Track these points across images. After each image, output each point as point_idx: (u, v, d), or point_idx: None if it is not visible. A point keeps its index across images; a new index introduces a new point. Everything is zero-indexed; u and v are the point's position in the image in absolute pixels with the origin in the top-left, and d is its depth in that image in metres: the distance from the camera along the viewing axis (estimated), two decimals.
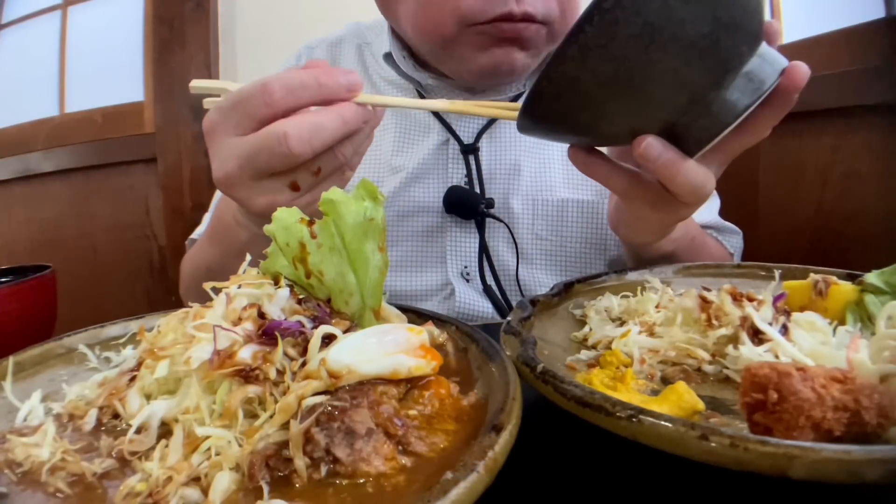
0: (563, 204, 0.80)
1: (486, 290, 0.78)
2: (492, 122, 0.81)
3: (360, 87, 0.48)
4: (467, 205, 0.77)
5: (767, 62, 0.43)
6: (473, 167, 0.79)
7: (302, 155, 0.45)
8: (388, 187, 0.79)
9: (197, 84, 0.51)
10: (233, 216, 0.60)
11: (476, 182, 0.79)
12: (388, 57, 0.81)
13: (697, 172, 0.47)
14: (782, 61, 0.44)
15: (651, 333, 0.46)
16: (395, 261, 0.79)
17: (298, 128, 0.44)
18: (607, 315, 0.52)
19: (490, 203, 0.78)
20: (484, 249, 0.78)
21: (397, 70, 0.81)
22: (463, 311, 0.77)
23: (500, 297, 0.77)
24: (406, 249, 0.80)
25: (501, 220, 0.77)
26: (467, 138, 0.80)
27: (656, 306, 0.50)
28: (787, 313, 0.43)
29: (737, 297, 0.45)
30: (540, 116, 0.46)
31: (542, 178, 0.81)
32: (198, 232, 0.89)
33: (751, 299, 0.44)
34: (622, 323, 0.49)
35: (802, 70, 0.44)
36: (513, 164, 0.80)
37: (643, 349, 0.43)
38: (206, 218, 0.89)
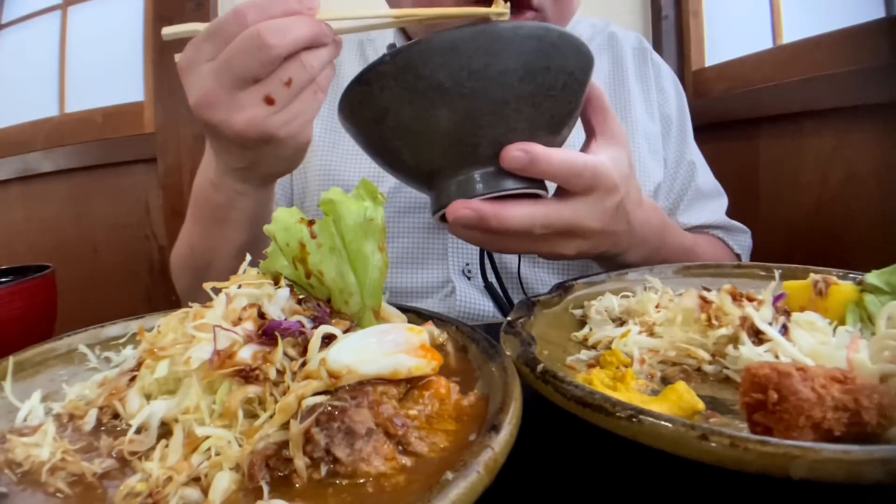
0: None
1: (488, 287, 0.77)
2: None
3: (318, 6, 0.50)
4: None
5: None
6: None
7: (275, 47, 0.46)
8: (391, 182, 0.79)
9: (168, 30, 0.52)
10: (209, 180, 0.61)
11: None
12: (390, 48, 0.81)
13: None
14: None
15: (651, 333, 0.46)
16: (396, 257, 0.79)
17: (269, 25, 0.46)
18: (607, 315, 0.52)
19: None
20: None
21: None
22: (463, 308, 0.77)
23: (501, 294, 0.77)
24: (407, 246, 0.80)
25: None
26: None
27: (656, 306, 0.50)
28: (788, 313, 0.43)
29: (737, 297, 0.45)
30: (348, 112, 0.53)
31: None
32: None
33: (751, 299, 0.44)
34: (622, 323, 0.49)
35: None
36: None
37: (643, 349, 0.43)
38: None
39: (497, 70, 0.45)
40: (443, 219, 0.51)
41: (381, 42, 0.88)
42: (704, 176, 0.92)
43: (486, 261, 0.78)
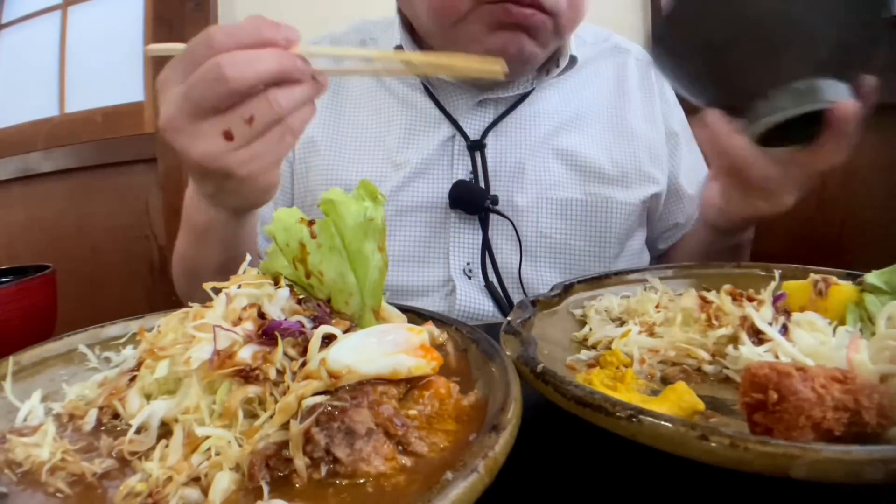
0: (567, 203, 0.80)
1: (489, 286, 0.78)
2: (499, 118, 0.81)
3: (297, 39, 0.49)
4: (472, 200, 0.77)
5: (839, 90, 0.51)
6: (479, 163, 0.79)
7: (233, 80, 0.44)
8: (393, 182, 0.79)
9: (153, 48, 0.52)
10: (191, 197, 0.61)
11: (481, 178, 0.79)
12: (397, 49, 0.81)
13: (751, 152, 0.58)
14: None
15: (651, 333, 0.46)
16: (397, 256, 0.79)
17: (232, 57, 0.45)
18: (607, 315, 0.52)
19: (495, 200, 0.78)
20: (487, 246, 0.78)
21: None
22: (464, 308, 0.77)
23: (501, 294, 0.77)
24: (408, 244, 0.80)
25: (506, 217, 0.77)
26: (474, 134, 0.80)
27: (656, 306, 0.50)
28: (788, 313, 0.43)
29: (736, 297, 0.45)
30: (668, 45, 0.53)
31: (546, 176, 0.81)
32: None
33: (751, 299, 0.45)
34: (622, 323, 0.49)
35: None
36: (518, 162, 0.80)
37: (643, 349, 0.43)
38: None
39: None
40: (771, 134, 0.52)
41: (386, 42, 0.87)
42: None
43: (487, 260, 0.78)
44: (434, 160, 0.80)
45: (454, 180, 0.79)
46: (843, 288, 0.46)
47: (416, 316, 0.45)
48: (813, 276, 0.48)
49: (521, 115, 0.83)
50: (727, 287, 0.47)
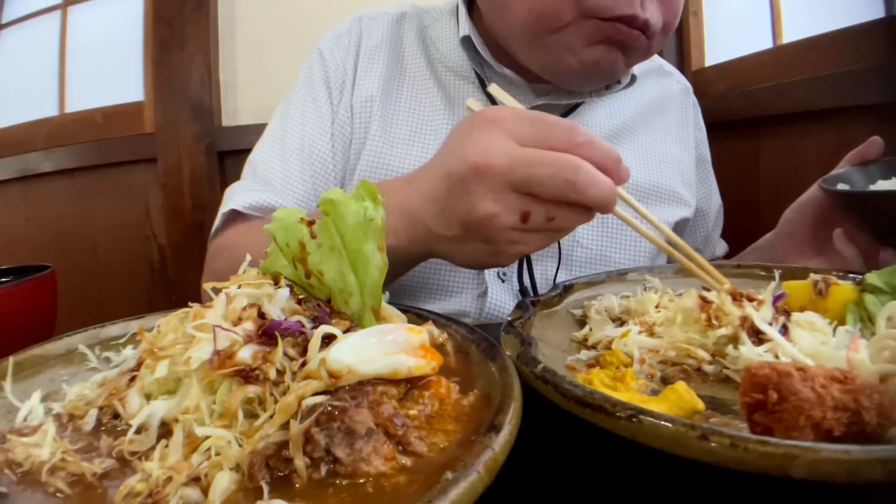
0: (602, 216, 0.80)
1: (522, 291, 0.77)
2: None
3: (629, 177, 0.50)
4: None
5: None
6: None
7: (578, 192, 0.45)
8: None
9: (475, 104, 0.53)
10: (395, 215, 0.54)
11: None
12: (465, 41, 0.80)
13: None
14: None
15: (651, 333, 0.46)
16: None
17: (591, 172, 0.45)
18: (607, 315, 0.52)
19: None
20: None
21: (470, 55, 0.80)
22: (494, 311, 0.77)
23: None
24: None
25: None
26: None
27: (656, 306, 0.50)
28: (787, 313, 0.43)
29: (737, 297, 0.45)
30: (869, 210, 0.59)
31: None
32: (240, 204, 0.81)
33: (751, 299, 0.44)
34: (622, 323, 0.49)
35: None
36: None
37: (643, 349, 0.43)
38: (245, 187, 0.84)
39: None
40: None
41: (436, 32, 0.86)
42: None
43: (525, 265, 0.77)
44: None
45: None
46: (843, 288, 0.46)
47: (416, 316, 0.45)
48: (813, 276, 0.48)
49: (580, 117, 0.84)
50: (728, 286, 0.47)
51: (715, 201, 0.98)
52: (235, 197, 0.82)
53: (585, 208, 0.47)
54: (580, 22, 0.68)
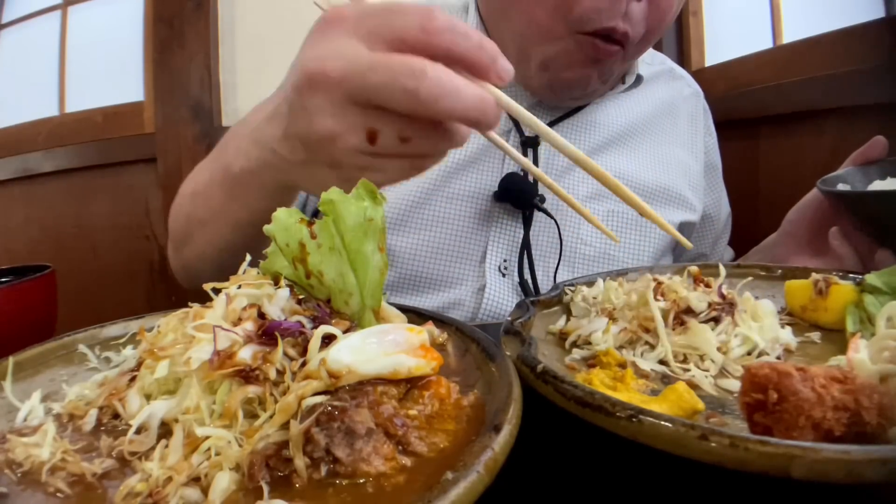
0: (610, 213, 0.81)
1: (522, 285, 0.77)
2: (558, 119, 0.82)
3: (509, 77, 0.40)
4: (522, 194, 0.76)
5: None
6: (531, 160, 0.78)
7: (423, 104, 0.37)
8: (440, 169, 0.78)
9: None
10: (247, 136, 0.51)
11: (531, 176, 0.77)
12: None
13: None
14: None
15: (612, 318, 0.47)
16: (435, 244, 0.79)
17: (439, 77, 0.37)
18: (587, 304, 0.52)
19: (542, 198, 0.77)
20: (527, 244, 0.77)
21: None
22: (492, 306, 0.77)
23: (533, 293, 0.77)
24: (449, 234, 0.79)
25: (552, 217, 0.76)
26: (529, 131, 0.79)
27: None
28: (733, 304, 0.45)
29: (698, 281, 0.48)
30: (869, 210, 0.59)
31: (593, 183, 0.79)
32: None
33: (708, 285, 0.46)
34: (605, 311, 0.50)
35: None
36: (569, 164, 0.80)
37: (615, 336, 0.45)
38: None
39: None
40: None
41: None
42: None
43: (525, 259, 0.78)
44: (486, 151, 0.79)
45: (504, 174, 0.78)
46: (843, 288, 0.46)
47: (416, 316, 0.45)
48: (814, 275, 0.48)
49: (577, 121, 0.84)
50: (693, 268, 0.49)
51: (724, 209, 0.98)
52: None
53: (455, 128, 0.40)
54: (567, 39, 0.69)
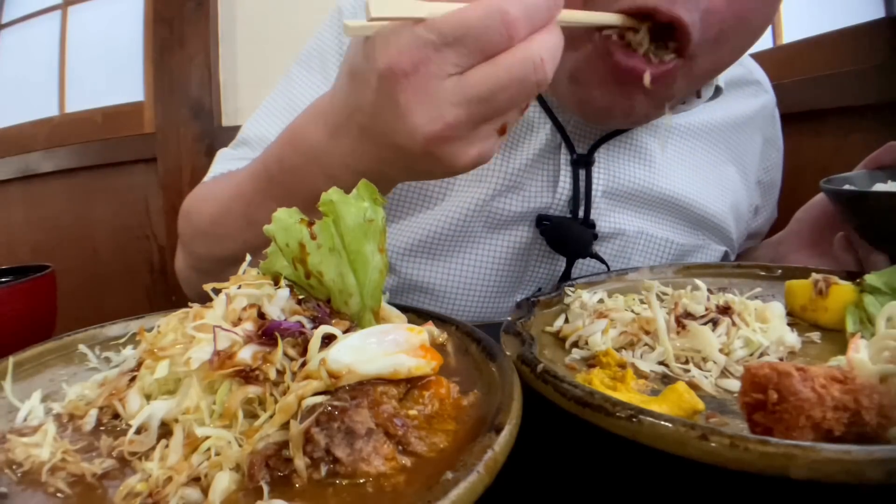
0: (666, 244, 0.73)
1: None
2: (614, 133, 0.68)
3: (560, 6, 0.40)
4: (577, 245, 0.65)
5: None
6: (582, 184, 0.66)
7: (545, 82, 0.38)
8: (482, 192, 0.67)
9: (375, 10, 0.37)
10: (335, 163, 0.47)
11: (581, 201, 0.66)
12: None
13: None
14: None
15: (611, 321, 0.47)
16: (467, 281, 0.71)
17: (550, 52, 0.38)
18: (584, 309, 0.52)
19: (594, 233, 0.66)
20: (567, 278, 0.70)
21: None
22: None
23: None
24: (485, 270, 0.70)
25: (606, 264, 0.67)
26: (580, 147, 0.67)
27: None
28: (728, 308, 0.45)
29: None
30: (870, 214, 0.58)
31: (653, 210, 0.72)
32: (209, 177, 0.78)
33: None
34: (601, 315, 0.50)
35: None
36: (627, 190, 0.70)
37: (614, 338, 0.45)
38: (217, 167, 0.78)
39: None
40: None
41: None
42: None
43: None
44: (531, 172, 0.67)
45: (554, 199, 0.67)
46: (843, 288, 0.46)
47: (416, 316, 0.45)
48: (814, 275, 0.48)
49: (635, 135, 0.70)
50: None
51: (769, 218, 0.92)
52: (215, 166, 0.78)
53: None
54: (587, 41, 0.54)
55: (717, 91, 0.70)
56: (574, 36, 0.53)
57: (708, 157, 0.78)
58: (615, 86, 0.56)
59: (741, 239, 0.86)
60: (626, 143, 0.71)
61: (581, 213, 0.67)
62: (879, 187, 0.62)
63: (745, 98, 0.82)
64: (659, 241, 0.73)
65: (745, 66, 0.84)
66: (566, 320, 0.51)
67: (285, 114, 0.74)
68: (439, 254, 0.70)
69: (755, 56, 1.28)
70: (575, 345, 0.46)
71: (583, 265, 0.71)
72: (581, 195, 0.66)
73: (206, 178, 0.78)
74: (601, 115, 0.62)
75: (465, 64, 0.38)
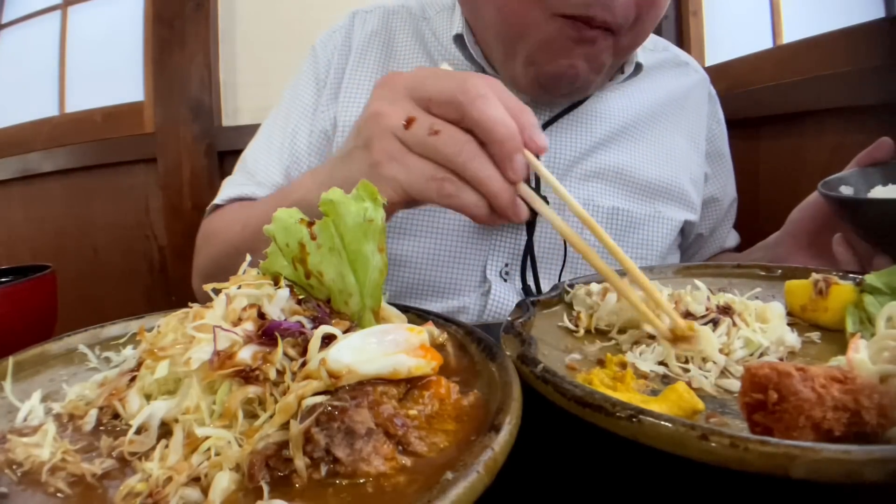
0: (614, 211, 0.80)
1: (525, 290, 0.77)
2: (560, 114, 0.80)
3: (544, 149, 0.51)
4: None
5: None
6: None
7: (463, 109, 0.46)
8: None
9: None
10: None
11: (532, 176, 0.74)
12: (457, 38, 0.79)
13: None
14: None
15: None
16: (435, 252, 0.78)
17: (490, 99, 0.47)
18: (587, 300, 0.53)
19: (545, 200, 0.75)
20: (530, 249, 0.76)
21: (464, 53, 0.79)
22: (497, 309, 0.76)
23: None
24: (449, 241, 0.78)
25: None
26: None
27: None
28: (728, 309, 0.46)
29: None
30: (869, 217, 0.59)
31: (596, 181, 0.80)
32: (221, 198, 0.87)
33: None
34: None
35: None
36: (569, 163, 0.79)
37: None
38: (233, 181, 0.88)
39: None
40: None
41: (439, 25, 0.85)
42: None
43: (528, 264, 0.77)
44: None
45: None
46: (843, 288, 0.46)
47: (416, 316, 0.45)
48: (814, 275, 0.48)
49: (577, 116, 0.81)
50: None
51: (730, 194, 0.97)
52: (222, 191, 0.86)
53: (480, 142, 0.47)
54: (547, 24, 0.66)
55: (639, 67, 0.81)
56: (529, 20, 0.67)
57: (652, 131, 0.86)
58: (568, 54, 0.69)
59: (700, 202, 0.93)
60: (570, 122, 0.81)
61: (532, 185, 0.73)
62: (878, 190, 0.62)
63: (676, 77, 0.93)
64: (606, 210, 0.79)
65: (671, 52, 0.95)
66: (570, 315, 0.51)
67: (270, 145, 0.87)
68: (405, 232, 0.78)
69: (755, 56, 1.29)
70: (590, 331, 0.48)
71: (542, 235, 0.78)
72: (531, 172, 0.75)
73: (217, 201, 0.87)
74: (551, 83, 0.73)
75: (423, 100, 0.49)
